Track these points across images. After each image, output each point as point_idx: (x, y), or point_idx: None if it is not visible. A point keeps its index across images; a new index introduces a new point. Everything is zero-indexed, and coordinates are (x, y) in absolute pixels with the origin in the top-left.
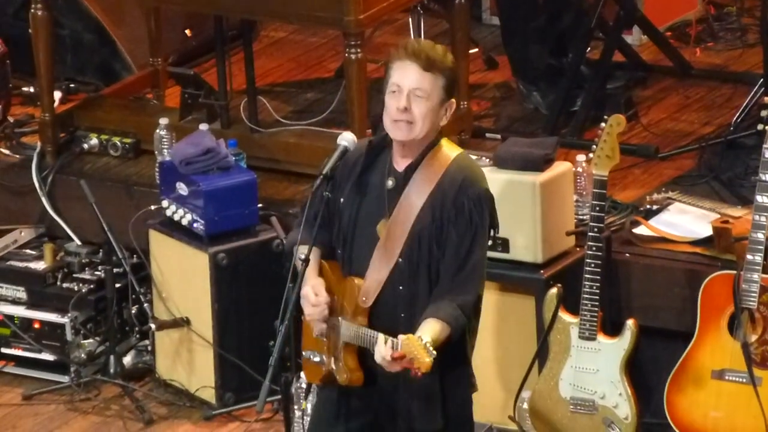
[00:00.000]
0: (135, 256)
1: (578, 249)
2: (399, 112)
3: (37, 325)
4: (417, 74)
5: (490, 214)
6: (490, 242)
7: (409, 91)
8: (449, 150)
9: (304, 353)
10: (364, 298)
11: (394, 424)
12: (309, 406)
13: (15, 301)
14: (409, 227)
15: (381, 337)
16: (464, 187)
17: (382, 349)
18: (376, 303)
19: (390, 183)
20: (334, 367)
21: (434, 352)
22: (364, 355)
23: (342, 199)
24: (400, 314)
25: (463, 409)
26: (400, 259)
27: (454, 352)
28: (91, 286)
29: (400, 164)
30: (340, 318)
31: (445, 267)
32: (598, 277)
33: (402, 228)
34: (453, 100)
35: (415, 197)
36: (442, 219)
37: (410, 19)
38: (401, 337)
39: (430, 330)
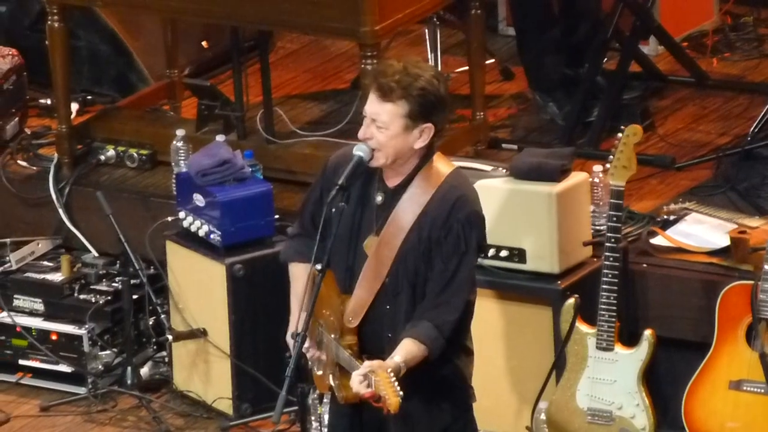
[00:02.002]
0: (152, 267)
1: (595, 259)
2: (361, 139)
3: (54, 337)
4: (375, 104)
5: (479, 235)
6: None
7: (371, 119)
8: (442, 167)
9: (310, 364)
10: (350, 318)
11: None
12: (325, 416)
13: (32, 313)
14: (397, 247)
15: (355, 373)
16: (455, 209)
17: (356, 384)
18: (363, 323)
19: (379, 198)
20: (332, 383)
21: (401, 393)
22: None
23: (333, 209)
24: (386, 334)
25: (462, 420)
26: (387, 279)
27: (448, 369)
28: (108, 298)
29: (391, 180)
30: (332, 336)
31: (431, 286)
32: (615, 288)
33: (390, 248)
34: (429, 124)
35: (405, 217)
36: (431, 240)
37: (426, 30)
38: (371, 366)
39: (405, 351)
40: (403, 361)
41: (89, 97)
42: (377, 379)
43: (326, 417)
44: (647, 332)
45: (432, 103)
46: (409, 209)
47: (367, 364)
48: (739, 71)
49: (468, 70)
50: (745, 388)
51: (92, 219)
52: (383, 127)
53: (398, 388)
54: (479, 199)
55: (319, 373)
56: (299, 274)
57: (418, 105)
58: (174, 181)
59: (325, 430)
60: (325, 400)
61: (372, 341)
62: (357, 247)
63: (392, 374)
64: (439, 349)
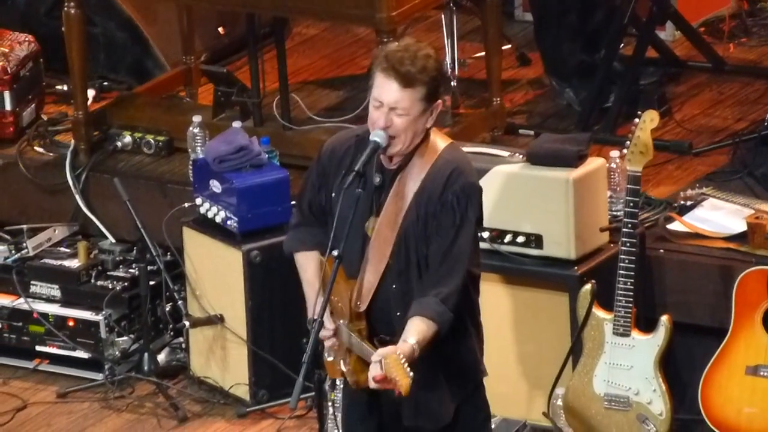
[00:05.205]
0: (169, 253)
1: (612, 245)
2: (380, 129)
3: (71, 323)
4: (396, 92)
5: (476, 206)
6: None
7: (389, 108)
8: (438, 142)
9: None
10: (358, 303)
11: (399, 423)
12: (338, 402)
13: (49, 299)
14: (397, 226)
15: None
16: (450, 181)
17: (371, 371)
18: (371, 305)
19: (377, 180)
20: (343, 369)
21: (411, 374)
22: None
23: (333, 194)
24: (395, 313)
25: (473, 398)
26: (391, 260)
27: (459, 346)
28: (125, 284)
29: (388, 161)
30: (342, 321)
31: (432, 259)
32: (632, 274)
33: (390, 227)
34: (439, 101)
35: (403, 195)
36: (428, 215)
37: (443, 16)
38: (383, 353)
39: (416, 331)
40: (416, 342)
41: (106, 84)
42: (387, 362)
43: (339, 403)
44: (664, 318)
45: (441, 82)
46: (407, 187)
47: (379, 352)
48: (755, 56)
49: (484, 55)
50: (762, 373)
51: (109, 205)
52: (404, 113)
53: (408, 370)
54: (475, 171)
55: (330, 359)
56: (307, 262)
57: (432, 87)
58: (191, 167)
59: (339, 415)
60: (338, 385)
61: (382, 322)
62: (360, 229)
63: (402, 356)
64: (448, 323)
